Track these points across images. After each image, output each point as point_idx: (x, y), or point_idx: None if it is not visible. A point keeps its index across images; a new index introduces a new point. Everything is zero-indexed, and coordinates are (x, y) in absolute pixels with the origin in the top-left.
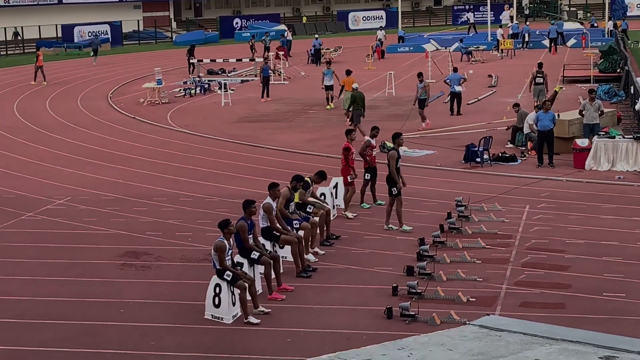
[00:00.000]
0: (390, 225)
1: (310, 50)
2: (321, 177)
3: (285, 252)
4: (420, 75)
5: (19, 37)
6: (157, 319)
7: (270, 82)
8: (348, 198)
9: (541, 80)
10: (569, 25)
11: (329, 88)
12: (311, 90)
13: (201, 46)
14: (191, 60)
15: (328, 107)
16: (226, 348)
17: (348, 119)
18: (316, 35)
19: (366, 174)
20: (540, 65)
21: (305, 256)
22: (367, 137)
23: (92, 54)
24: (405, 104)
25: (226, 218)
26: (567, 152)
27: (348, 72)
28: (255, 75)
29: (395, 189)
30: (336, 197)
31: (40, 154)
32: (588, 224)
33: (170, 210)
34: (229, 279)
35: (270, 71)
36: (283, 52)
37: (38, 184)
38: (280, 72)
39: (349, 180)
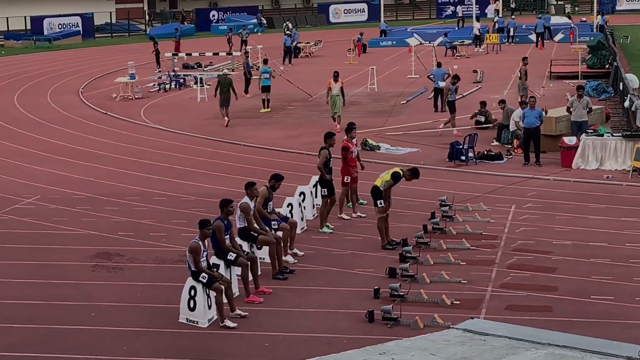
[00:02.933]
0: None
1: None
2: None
3: (263, 254)
4: (455, 77)
5: None
6: (129, 323)
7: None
8: (341, 199)
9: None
10: (556, 20)
11: (265, 89)
12: (290, 85)
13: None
14: (156, 47)
15: (263, 110)
16: (202, 353)
17: (337, 123)
18: (287, 31)
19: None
20: (525, 58)
21: (284, 258)
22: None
23: None
24: (387, 100)
25: (207, 218)
26: (554, 150)
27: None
28: (233, 70)
29: (325, 190)
30: (315, 197)
31: (8, 150)
32: (576, 224)
33: (143, 209)
34: (204, 281)
35: (250, 66)
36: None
37: (5, 182)
38: (258, 67)
39: (345, 181)
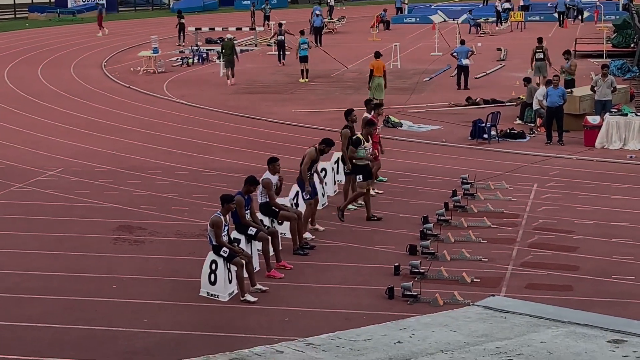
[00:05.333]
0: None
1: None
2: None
3: (284, 229)
4: (567, 53)
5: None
6: (150, 296)
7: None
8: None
9: (542, 55)
10: None
11: (303, 59)
12: (313, 61)
13: (200, 14)
14: (182, 21)
15: (302, 80)
16: (222, 326)
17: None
18: (317, 12)
19: None
20: (540, 40)
21: (304, 235)
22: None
23: None
24: (410, 77)
25: (230, 193)
26: (577, 129)
27: (377, 55)
28: (256, 45)
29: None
30: (337, 173)
31: (31, 122)
32: (598, 204)
33: (165, 183)
34: (225, 255)
35: (281, 35)
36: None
37: (29, 154)
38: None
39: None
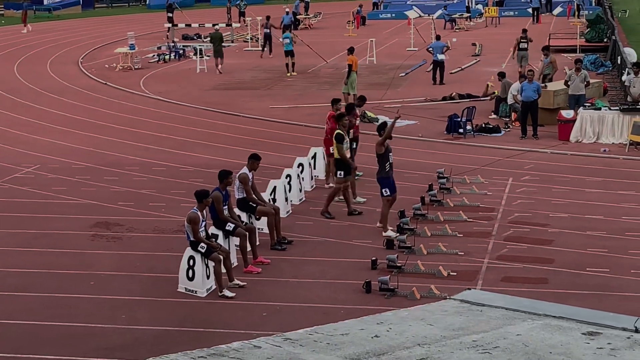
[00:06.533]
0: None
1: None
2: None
3: (262, 224)
4: (546, 48)
5: None
6: (128, 292)
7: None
8: (331, 169)
9: (525, 45)
10: None
11: (288, 53)
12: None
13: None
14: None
15: (288, 74)
16: (200, 322)
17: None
18: (286, 9)
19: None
20: (524, 31)
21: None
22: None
23: None
24: (386, 72)
25: (204, 189)
26: (551, 123)
27: (352, 50)
28: (232, 41)
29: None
30: (314, 168)
31: (8, 119)
32: (572, 197)
33: (142, 179)
34: (203, 251)
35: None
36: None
37: (5, 151)
38: (258, 39)
39: (331, 152)
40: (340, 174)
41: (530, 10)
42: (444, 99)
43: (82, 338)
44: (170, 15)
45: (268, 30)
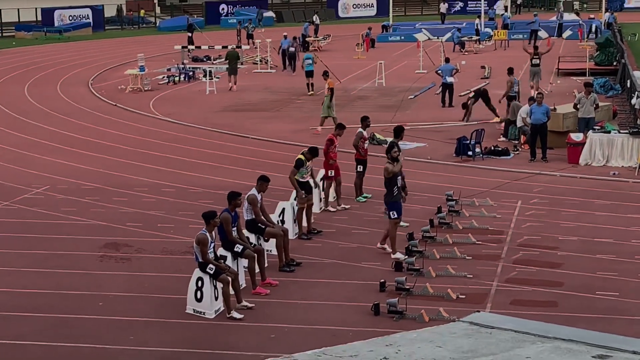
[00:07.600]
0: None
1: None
2: (312, 153)
3: (270, 246)
4: (510, 71)
5: None
6: (137, 313)
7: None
8: (326, 192)
9: (538, 61)
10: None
11: (309, 74)
12: (296, 80)
13: (185, 32)
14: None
15: (309, 93)
16: (208, 344)
17: (320, 127)
18: (285, 33)
19: (358, 166)
20: (536, 48)
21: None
22: (359, 129)
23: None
24: (395, 95)
25: (212, 210)
26: (561, 146)
27: (327, 74)
28: (242, 63)
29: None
30: (322, 189)
31: (18, 141)
32: (582, 220)
33: (151, 201)
34: (211, 272)
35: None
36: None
37: (15, 172)
38: (267, 61)
39: (329, 175)
40: (303, 194)
41: (542, 33)
42: (464, 106)
43: (91, 359)
44: (190, 35)
45: (293, 49)
